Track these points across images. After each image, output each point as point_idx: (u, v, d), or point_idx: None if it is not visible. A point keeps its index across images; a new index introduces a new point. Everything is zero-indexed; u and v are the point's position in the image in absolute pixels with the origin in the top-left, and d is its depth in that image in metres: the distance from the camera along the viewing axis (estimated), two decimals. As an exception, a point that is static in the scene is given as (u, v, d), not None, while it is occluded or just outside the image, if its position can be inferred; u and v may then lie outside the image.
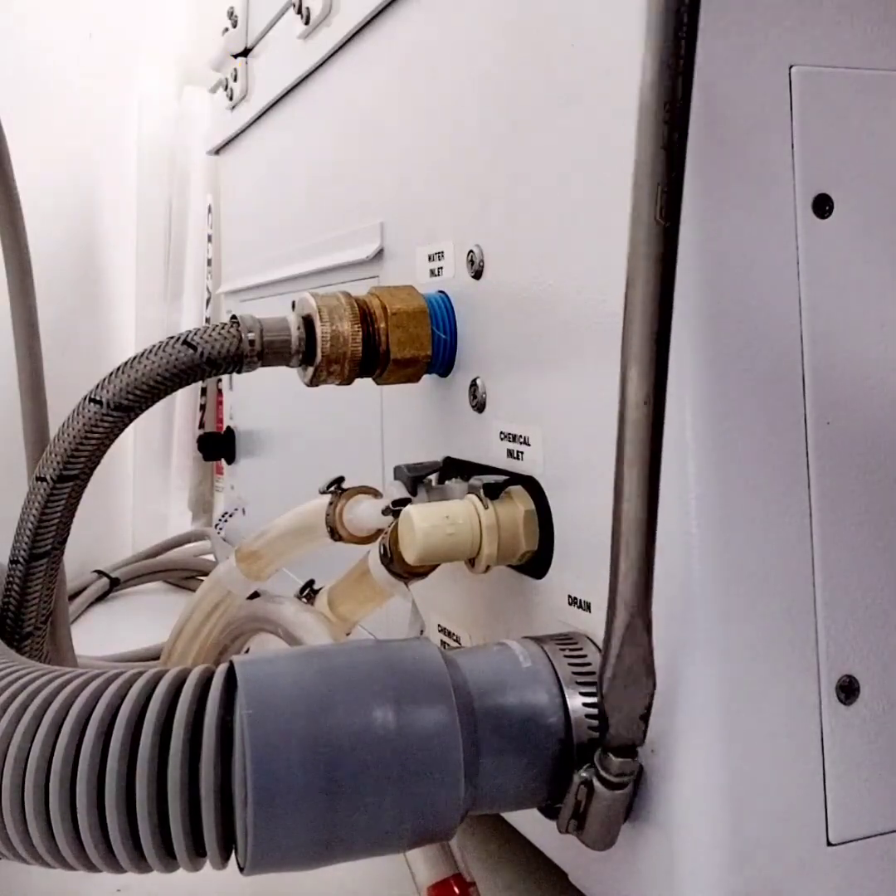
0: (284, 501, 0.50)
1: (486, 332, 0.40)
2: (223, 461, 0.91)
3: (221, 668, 0.28)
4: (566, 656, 0.31)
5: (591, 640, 0.32)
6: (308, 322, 0.41)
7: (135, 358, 0.39)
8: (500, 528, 0.36)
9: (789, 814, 0.29)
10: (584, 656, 0.32)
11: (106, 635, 0.78)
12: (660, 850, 0.30)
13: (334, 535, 0.45)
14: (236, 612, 0.51)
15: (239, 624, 0.51)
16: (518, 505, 0.36)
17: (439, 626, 0.45)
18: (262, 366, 0.40)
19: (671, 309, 0.25)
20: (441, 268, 0.44)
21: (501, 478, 0.37)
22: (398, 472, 0.40)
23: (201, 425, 1.11)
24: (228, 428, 0.89)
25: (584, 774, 0.29)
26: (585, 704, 0.30)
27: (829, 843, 0.29)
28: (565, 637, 0.33)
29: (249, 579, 0.51)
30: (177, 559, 0.99)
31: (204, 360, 0.38)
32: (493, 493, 0.36)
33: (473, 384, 0.41)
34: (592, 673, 0.31)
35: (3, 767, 0.27)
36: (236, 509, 0.88)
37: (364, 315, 0.41)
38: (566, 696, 0.30)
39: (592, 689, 0.30)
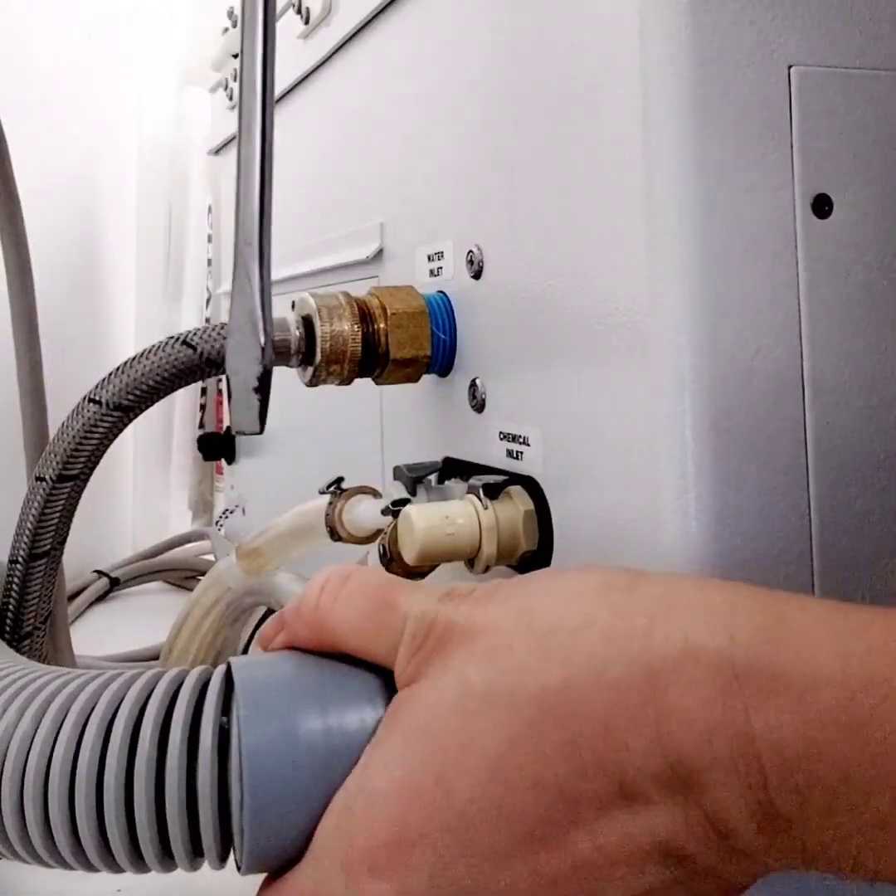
0: (284, 501, 0.50)
1: (485, 333, 0.40)
2: (223, 461, 0.91)
3: (219, 670, 0.28)
4: None
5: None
6: (308, 322, 0.41)
7: (134, 358, 0.39)
8: (500, 529, 0.36)
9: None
10: None
11: (106, 635, 0.78)
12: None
13: (334, 535, 0.45)
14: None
15: (237, 599, 0.51)
16: (518, 505, 0.36)
17: (439, 626, 0.45)
18: (262, 366, 0.40)
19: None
20: (441, 268, 0.44)
21: (501, 478, 0.37)
22: (398, 472, 0.40)
23: (201, 425, 1.11)
24: (228, 428, 0.89)
25: None
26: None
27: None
28: None
29: (249, 576, 0.51)
30: (177, 559, 0.99)
31: (204, 360, 0.39)
32: (492, 493, 0.36)
33: (473, 384, 0.41)
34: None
35: (2, 768, 0.27)
36: (237, 506, 0.88)
37: (364, 315, 0.41)
38: None
39: None
